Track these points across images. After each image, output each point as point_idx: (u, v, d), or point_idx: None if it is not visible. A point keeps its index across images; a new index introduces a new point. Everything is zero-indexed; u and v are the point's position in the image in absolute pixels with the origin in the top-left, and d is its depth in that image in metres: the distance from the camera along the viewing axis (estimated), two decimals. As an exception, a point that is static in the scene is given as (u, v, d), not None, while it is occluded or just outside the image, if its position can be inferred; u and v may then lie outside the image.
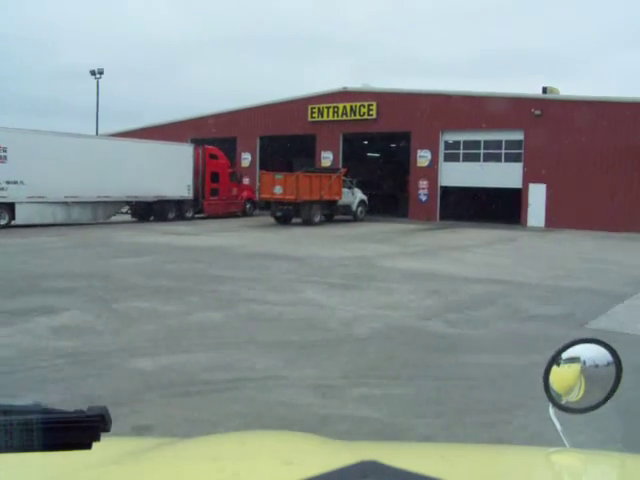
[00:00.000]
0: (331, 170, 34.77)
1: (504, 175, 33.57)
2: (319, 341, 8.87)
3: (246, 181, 39.22)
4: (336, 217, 33.68)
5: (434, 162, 35.86)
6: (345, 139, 39.88)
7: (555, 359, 1.96)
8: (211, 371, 7.25)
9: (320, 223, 31.55)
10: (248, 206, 37.08)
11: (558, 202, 31.68)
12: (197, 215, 33.92)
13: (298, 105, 40.49)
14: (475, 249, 21.50)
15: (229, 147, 41.22)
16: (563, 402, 1.94)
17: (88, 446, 1.09)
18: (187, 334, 9.01)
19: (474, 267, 16.92)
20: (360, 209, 34.70)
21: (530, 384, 5.16)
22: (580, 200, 30.92)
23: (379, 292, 12.79)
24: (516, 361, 7.92)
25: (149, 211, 31.95)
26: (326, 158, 39.65)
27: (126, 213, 31.70)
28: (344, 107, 38.62)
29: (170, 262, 16.48)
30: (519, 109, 32.76)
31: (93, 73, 51.16)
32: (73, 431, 1.07)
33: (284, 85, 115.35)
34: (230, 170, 35.98)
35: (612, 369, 1.91)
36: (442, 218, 35.56)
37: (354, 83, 39.91)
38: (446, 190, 36.17)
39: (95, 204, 29.22)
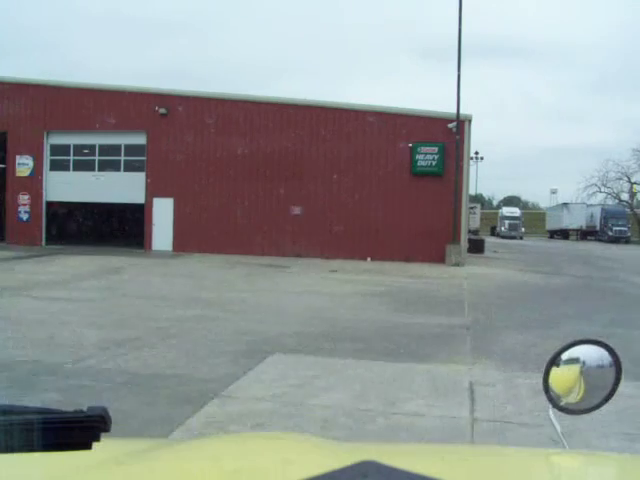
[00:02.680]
0: None
1: (125, 187, 26.97)
2: None
3: None
4: None
5: (38, 171, 28.03)
6: None
7: (555, 360, 1.95)
8: None
9: None
10: None
11: (188, 221, 26.09)
12: None
13: None
14: (43, 291, 14.67)
15: None
16: (563, 403, 1.93)
17: (88, 446, 1.10)
18: None
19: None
20: None
21: None
22: (214, 218, 25.74)
23: None
24: None
25: None
26: None
27: None
28: None
29: None
30: (141, 107, 26.53)
31: None
32: (73, 431, 1.08)
33: None
34: None
35: (612, 370, 1.90)
36: (50, 242, 27.98)
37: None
38: (57, 206, 28.84)
39: None
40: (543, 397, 2.01)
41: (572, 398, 1.91)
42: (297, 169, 25.06)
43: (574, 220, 67.78)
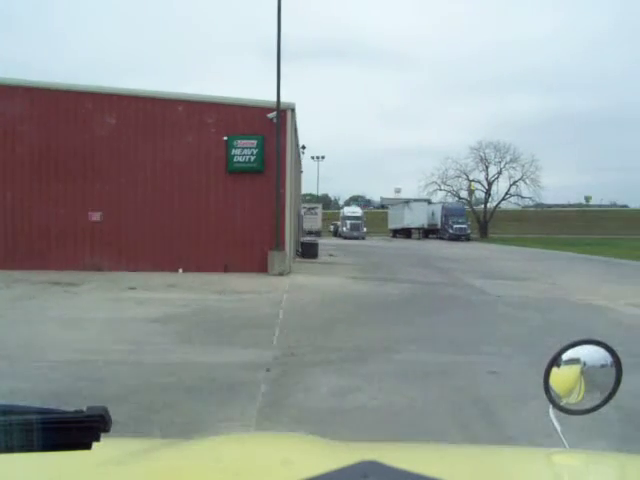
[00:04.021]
0: None
1: None
2: None
3: None
4: None
5: None
6: None
7: (555, 360, 1.92)
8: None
9: None
10: None
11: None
12: None
13: None
14: None
15: None
16: (563, 403, 1.90)
17: (88, 446, 1.08)
18: None
19: None
20: None
21: None
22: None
23: None
24: None
25: None
26: None
27: None
28: None
29: None
30: None
31: None
32: (73, 431, 1.07)
33: None
34: None
35: (612, 370, 1.87)
36: None
37: None
38: None
39: None
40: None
41: (572, 398, 1.88)
42: (96, 168, 21.35)
43: (416, 219, 67.59)
